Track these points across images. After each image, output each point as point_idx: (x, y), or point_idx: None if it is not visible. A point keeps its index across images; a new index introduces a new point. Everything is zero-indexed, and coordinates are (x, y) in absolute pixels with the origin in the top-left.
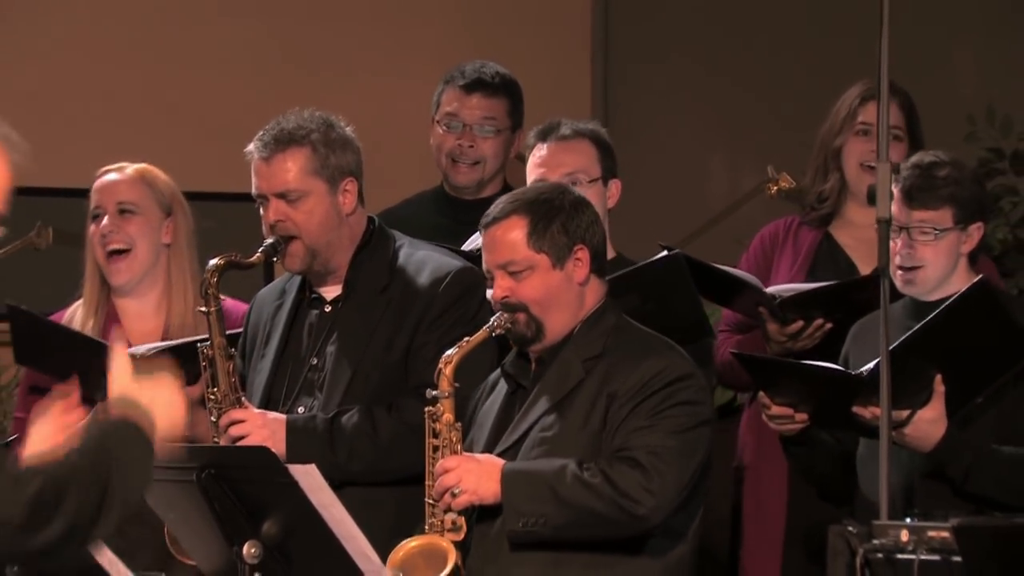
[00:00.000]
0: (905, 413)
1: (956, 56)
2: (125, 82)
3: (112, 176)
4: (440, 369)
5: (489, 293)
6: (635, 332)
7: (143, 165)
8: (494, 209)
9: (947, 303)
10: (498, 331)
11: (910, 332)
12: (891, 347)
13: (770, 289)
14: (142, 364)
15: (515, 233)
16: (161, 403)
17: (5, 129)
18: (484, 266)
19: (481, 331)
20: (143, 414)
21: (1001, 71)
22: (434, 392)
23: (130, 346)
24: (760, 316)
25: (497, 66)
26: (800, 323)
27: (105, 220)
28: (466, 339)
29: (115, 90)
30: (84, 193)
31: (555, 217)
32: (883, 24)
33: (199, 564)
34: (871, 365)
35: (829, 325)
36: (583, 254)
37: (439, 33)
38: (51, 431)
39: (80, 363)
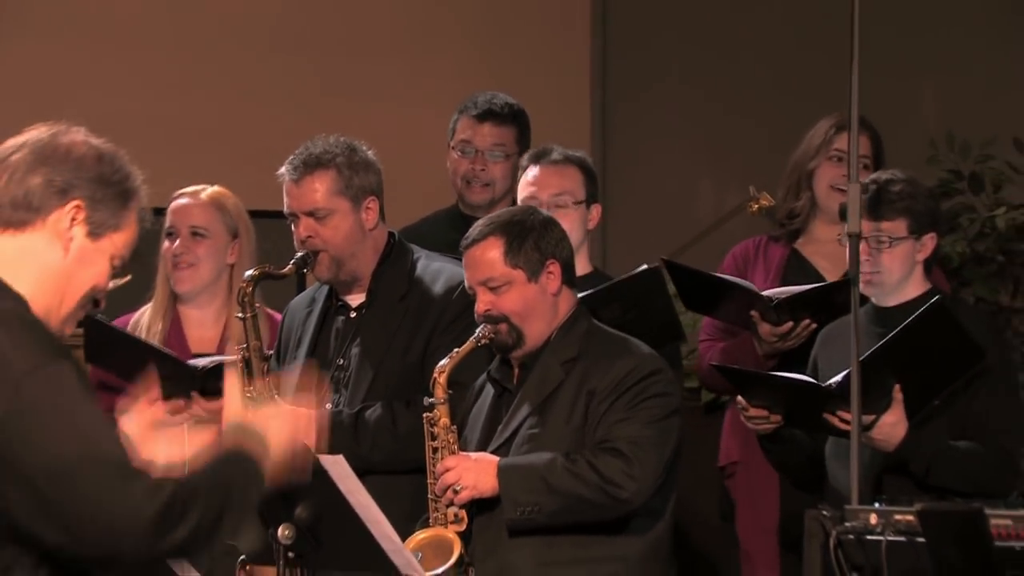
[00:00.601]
0: (870, 418)
1: (920, 87)
2: (187, 112)
3: (188, 200)
4: (435, 379)
5: None
6: (606, 335)
7: (216, 189)
8: (472, 231)
9: (907, 322)
10: (483, 341)
11: (874, 348)
12: (860, 359)
13: (765, 293)
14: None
15: (493, 252)
16: (273, 428)
17: (136, 182)
18: (466, 283)
19: (468, 342)
20: (257, 441)
21: (960, 101)
22: (430, 399)
23: (191, 355)
24: (751, 320)
25: (507, 97)
26: (790, 324)
27: (178, 241)
28: (456, 350)
29: (178, 119)
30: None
31: (528, 236)
32: (854, 59)
33: (239, 544)
34: (839, 377)
35: (814, 326)
36: (555, 267)
37: (454, 66)
38: (140, 427)
39: (145, 367)
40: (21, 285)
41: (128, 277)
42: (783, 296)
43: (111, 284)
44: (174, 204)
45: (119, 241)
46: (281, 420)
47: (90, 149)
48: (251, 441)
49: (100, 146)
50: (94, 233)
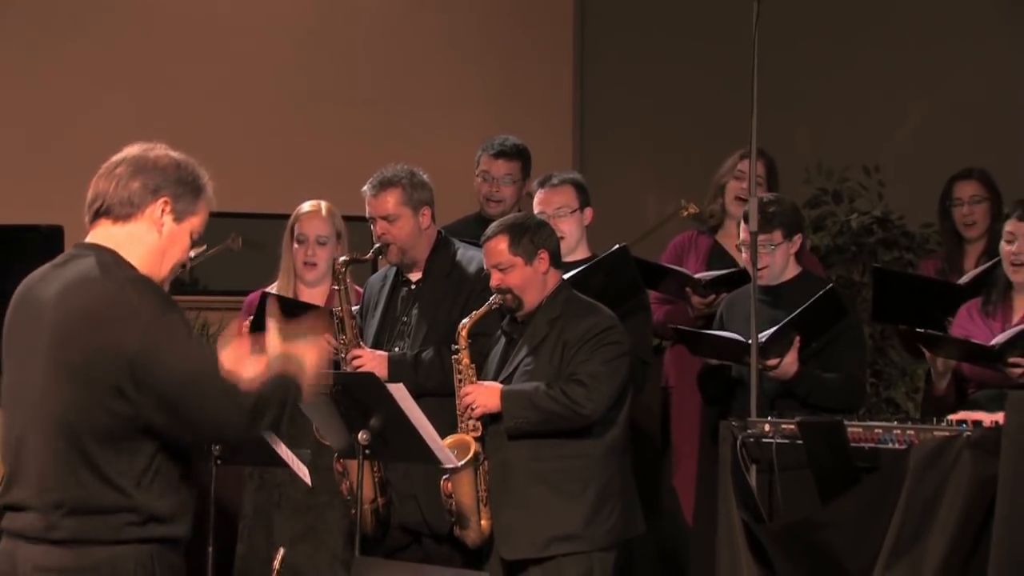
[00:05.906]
0: (776, 360)
1: (797, 129)
2: (280, 146)
3: (315, 215)
4: (459, 332)
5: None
6: (580, 302)
7: (328, 205)
8: (488, 230)
9: (806, 304)
10: (494, 306)
11: (783, 322)
12: (780, 325)
13: (697, 275)
14: (291, 329)
15: (501, 244)
16: (304, 358)
17: (204, 180)
18: (484, 266)
19: (484, 306)
20: (297, 367)
21: (826, 139)
22: (455, 346)
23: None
24: (685, 294)
25: (515, 139)
26: (714, 296)
27: (308, 247)
28: (474, 312)
29: (293, 156)
30: (258, 216)
31: (525, 233)
32: (753, 111)
33: (332, 444)
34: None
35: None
36: (544, 255)
37: (475, 116)
38: (236, 356)
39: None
40: (132, 260)
41: (204, 246)
42: (707, 278)
43: (192, 252)
44: (305, 217)
45: (196, 222)
46: (309, 352)
47: (171, 160)
48: (293, 365)
49: (177, 157)
50: (178, 219)
